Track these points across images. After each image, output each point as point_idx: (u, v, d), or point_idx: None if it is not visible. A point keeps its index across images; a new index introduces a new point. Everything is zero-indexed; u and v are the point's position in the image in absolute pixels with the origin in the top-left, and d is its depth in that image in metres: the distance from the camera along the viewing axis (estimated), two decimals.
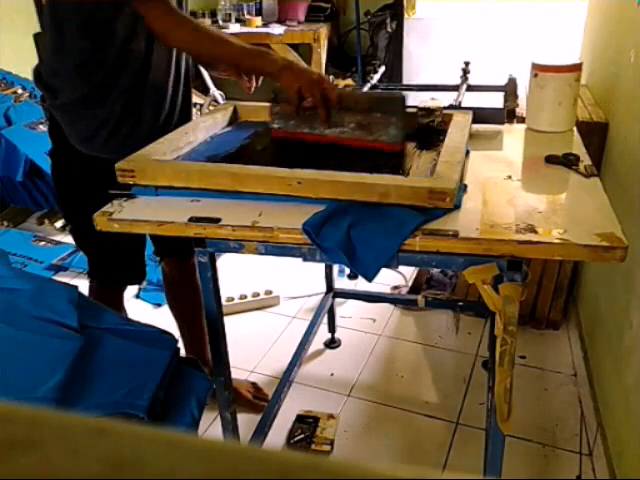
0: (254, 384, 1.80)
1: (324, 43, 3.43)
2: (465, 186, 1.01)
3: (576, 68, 1.29)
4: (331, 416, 1.69)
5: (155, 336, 1.11)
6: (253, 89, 1.28)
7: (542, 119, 1.33)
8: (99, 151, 1.25)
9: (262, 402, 1.70)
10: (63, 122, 1.25)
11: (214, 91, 2.95)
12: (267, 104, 1.38)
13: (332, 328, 2.04)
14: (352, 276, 2.33)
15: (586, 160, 1.13)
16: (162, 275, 1.66)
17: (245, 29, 3.43)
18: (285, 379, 1.67)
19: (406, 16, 3.42)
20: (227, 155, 1.15)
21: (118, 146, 1.23)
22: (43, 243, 2.70)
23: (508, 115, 1.36)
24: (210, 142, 1.23)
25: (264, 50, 1.19)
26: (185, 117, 1.37)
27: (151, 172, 1.01)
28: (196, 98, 3.06)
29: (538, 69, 1.30)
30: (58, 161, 1.32)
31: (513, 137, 1.32)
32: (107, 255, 1.41)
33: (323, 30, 3.42)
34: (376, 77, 1.59)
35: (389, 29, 3.43)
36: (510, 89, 1.39)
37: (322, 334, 2.00)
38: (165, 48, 1.26)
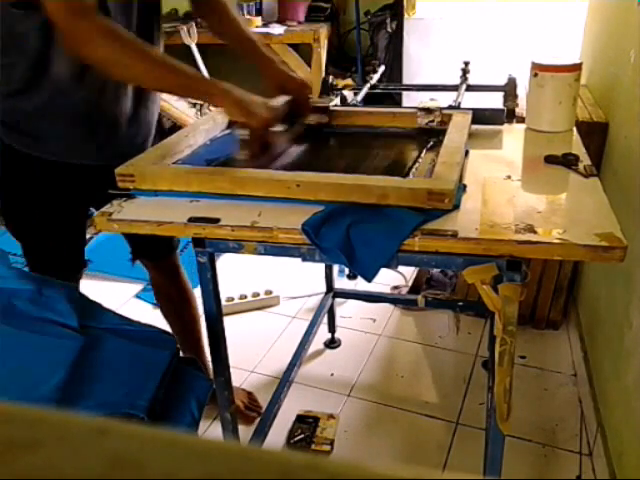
0: (250, 394, 1.77)
1: (324, 43, 3.43)
2: (464, 186, 1.01)
3: (576, 68, 1.29)
4: (331, 416, 1.69)
5: (155, 336, 1.11)
6: None
7: (542, 119, 1.33)
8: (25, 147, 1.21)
9: (253, 413, 1.69)
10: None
11: None
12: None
13: (332, 328, 2.04)
14: (352, 276, 2.33)
15: (586, 160, 1.13)
16: (150, 280, 1.65)
17: None
18: (285, 379, 1.67)
19: (406, 16, 3.42)
20: (227, 158, 1.15)
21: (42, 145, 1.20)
22: None
23: (508, 115, 1.36)
24: (210, 145, 1.23)
25: (202, 80, 1.07)
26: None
27: (150, 177, 1.01)
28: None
29: (538, 69, 1.31)
30: (4, 165, 1.26)
31: (513, 137, 1.32)
32: (44, 249, 1.35)
33: (323, 30, 3.42)
34: (376, 77, 1.59)
35: (389, 29, 3.43)
36: (510, 89, 1.39)
37: (322, 334, 2.00)
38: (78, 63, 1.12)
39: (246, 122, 1.05)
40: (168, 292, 1.60)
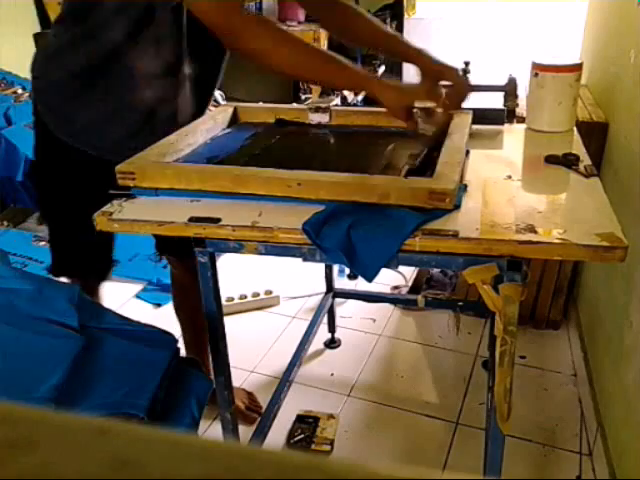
0: (250, 394, 1.76)
1: (324, 43, 3.43)
2: (465, 186, 1.01)
3: (576, 68, 1.29)
4: (331, 416, 1.69)
5: (155, 336, 1.11)
6: None
7: (542, 119, 1.33)
8: (78, 140, 1.23)
9: (254, 414, 1.68)
10: (50, 105, 1.22)
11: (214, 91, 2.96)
12: (267, 105, 1.38)
13: (332, 328, 2.04)
14: (352, 276, 2.33)
15: (586, 160, 1.13)
16: (170, 276, 1.65)
17: None
18: (285, 379, 1.67)
19: (406, 16, 3.43)
20: (227, 157, 1.15)
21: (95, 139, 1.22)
22: (43, 243, 2.70)
23: (508, 115, 1.36)
24: (210, 144, 1.23)
25: (358, 70, 1.11)
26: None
27: (151, 174, 1.01)
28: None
29: (538, 69, 1.31)
30: (42, 152, 1.29)
31: (513, 137, 1.32)
32: (77, 250, 1.38)
33: (323, 30, 3.41)
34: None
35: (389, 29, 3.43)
36: (510, 89, 1.39)
37: (322, 334, 2.00)
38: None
39: (403, 103, 1.08)
40: (190, 290, 1.59)
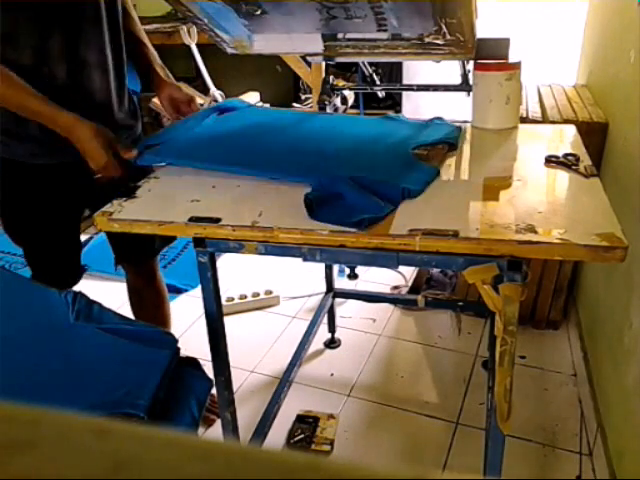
0: (211, 395, 1.76)
1: None
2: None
3: (505, 67, 1.29)
4: (331, 416, 1.69)
5: (155, 336, 1.11)
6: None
7: (475, 116, 1.36)
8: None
9: (212, 415, 1.65)
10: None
11: (214, 91, 2.95)
12: None
13: (332, 328, 2.04)
14: (352, 276, 2.33)
15: (586, 160, 1.13)
16: (126, 282, 1.65)
17: None
18: (285, 379, 1.67)
19: None
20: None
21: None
22: None
23: None
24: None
25: (56, 116, 1.14)
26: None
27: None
28: (197, 98, 3.05)
29: (476, 67, 1.32)
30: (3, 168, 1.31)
31: (513, 137, 1.32)
32: (40, 255, 1.42)
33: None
34: (376, 77, 1.59)
35: None
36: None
37: (322, 334, 2.00)
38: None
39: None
40: (144, 294, 1.63)
